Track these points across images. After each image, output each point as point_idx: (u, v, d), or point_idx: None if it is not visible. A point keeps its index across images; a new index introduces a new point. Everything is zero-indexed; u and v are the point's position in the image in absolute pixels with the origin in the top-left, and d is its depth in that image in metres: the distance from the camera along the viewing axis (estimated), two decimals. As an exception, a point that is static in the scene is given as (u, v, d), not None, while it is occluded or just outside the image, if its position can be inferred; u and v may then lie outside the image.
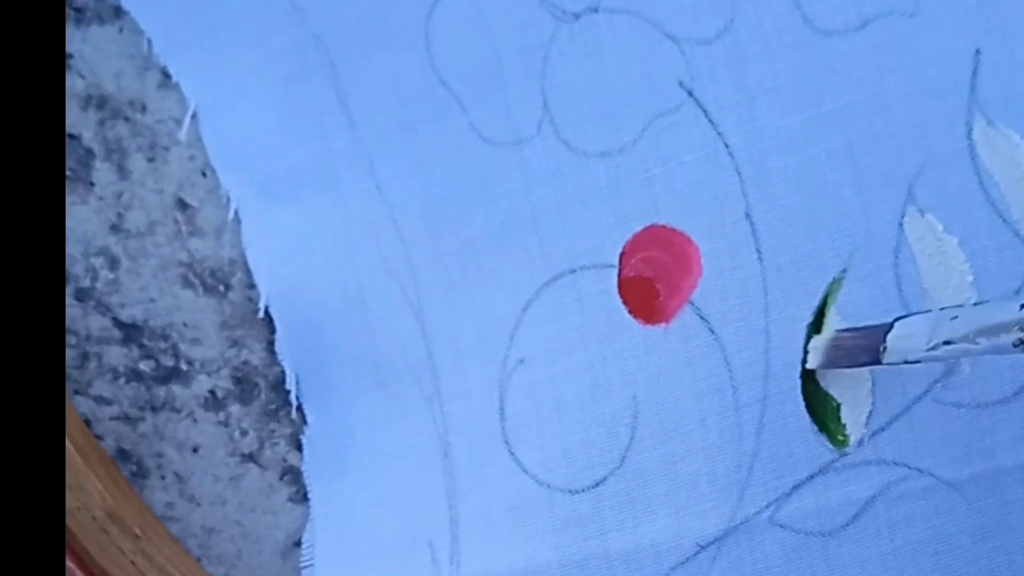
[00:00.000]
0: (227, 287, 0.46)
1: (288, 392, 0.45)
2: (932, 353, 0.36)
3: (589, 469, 0.43)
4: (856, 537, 0.42)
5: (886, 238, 0.42)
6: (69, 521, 0.44)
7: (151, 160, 0.46)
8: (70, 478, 0.44)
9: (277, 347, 0.45)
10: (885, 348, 0.37)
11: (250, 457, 0.46)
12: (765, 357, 0.42)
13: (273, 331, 0.45)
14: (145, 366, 0.46)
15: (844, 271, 0.42)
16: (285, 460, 0.46)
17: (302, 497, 0.46)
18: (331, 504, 0.45)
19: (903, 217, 0.42)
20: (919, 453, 0.42)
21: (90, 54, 0.46)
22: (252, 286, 0.45)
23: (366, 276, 0.45)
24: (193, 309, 0.46)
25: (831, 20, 0.42)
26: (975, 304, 0.41)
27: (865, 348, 0.39)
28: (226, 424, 0.46)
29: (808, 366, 0.41)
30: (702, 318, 0.42)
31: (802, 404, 0.42)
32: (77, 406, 0.46)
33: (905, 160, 0.42)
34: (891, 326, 0.38)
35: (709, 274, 0.42)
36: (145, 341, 0.46)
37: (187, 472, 0.46)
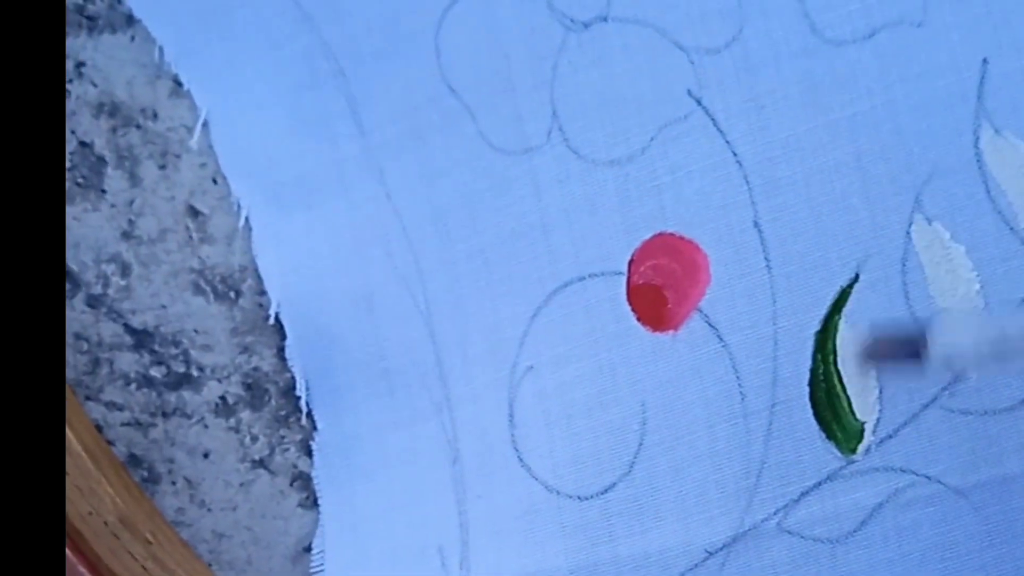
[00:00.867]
0: (238, 294, 0.46)
1: (298, 398, 0.45)
2: (978, 356, 0.35)
3: (598, 475, 0.43)
4: (864, 544, 0.42)
5: (894, 246, 0.42)
6: (81, 526, 0.44)
7: (162, 167, 0.46)
8: (82, 483, 0.44)
9: (287, 353, 0.46)
10: (927, 352, 0.37)
11: (260, 463, 0.46)
12: (773, 365, 0.42)
13: (283, 337, 0.46)
14: (156, 372, 0.46)
15: (852, 279, 0.42)
16: (295, 466, 0.46)
17: (312, 503, 0.46)
18: (341, 510, 0.45)
19: (911, 225, 0.42)
20: (927, 460, 0.42)
21: (102, 62, 0.46)
22: (263, 293, 0.46)
23: (376, 283, 0.45)
24: (204, 315, 0.46)
25: (839, 29, 0.42)
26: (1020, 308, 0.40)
27: (905, 350, 0.38)
28: (237, 430, 0.46)
29: (844, 363, 0.41)
30: (710, 326, 0.43)
31: (810, 411, 0.42)
32: (88, 412, 0.46)
33: (913, 169, 0.42)
34: (930, 326, 0.37)
35: (717, 282, 0.43)
36: (156, 347, 0.46)
37: (198, 478, 0.46)
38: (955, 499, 0.42)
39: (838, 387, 0.42)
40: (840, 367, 0.42)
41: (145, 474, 0.46)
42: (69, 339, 0.46)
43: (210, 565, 0.46)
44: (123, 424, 0.46)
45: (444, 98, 0.44)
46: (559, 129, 0.43)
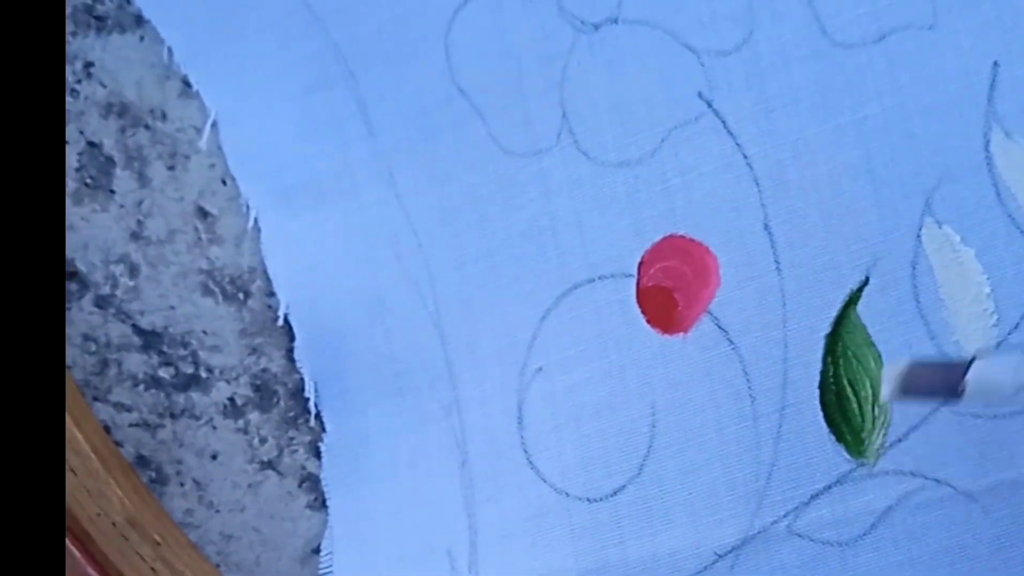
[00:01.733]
0: (247, 295, 0.46)
1: (307, 400, 0.45)
2: (1015, 395, 0.35)
3: (607, 478, 0.43)
4: (873, 547, 0.42)
5: (904, 250, 0.42)
6: (89, 527, 0.44)
7: (171, 168, 0.46)
8: (90, 484, 0.44)
9: (296, 355, 0.45)
10: (964, 388, 0.37)
11: (269, 464, 0.46)
12: (783, 367, 0.42)
13: (292, 339, 0.45)
14: (164, 373, 0.46)
15: (862, 282, 0.42)
16: (304, 467, 0.46)
17: (321, 504, 0.46)
18: (350, 512, 0.45)
19: (921, 229, 0.42)
20: (936, 463, 0.42)
21: (111, 62, 0.46)
22: (271, 294, 0.46)
23: (385, 285, 0.45)
24: (213, 317, 0.46)
25: (849, 32, 0.42)
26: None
27: (943, 385, 0.38)
28: (245, 431, 0.46)
29: (883, 399, 0.41)
30: (720, 328, 0.43)
31: (820, 414, 0.42)
32: (97, 413, 0.46)
33: (923, 172, 0.42)
34: (968, 365, 0.37)
35: (727, 284, 0.43)
36: (165, 348, 0.46)
37: (206, 479, 0.46)
38: (965, 502, 0.42)
39: (848, 390, 0.42)
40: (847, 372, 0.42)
41: (153, 475, 0.46)
42: (77, 340, 0.46)
43: (218, 566, 0.46)
44: (131, 425, 0.46)
45: (454, 100, 0.44)
46: (569, 131, 0.43)
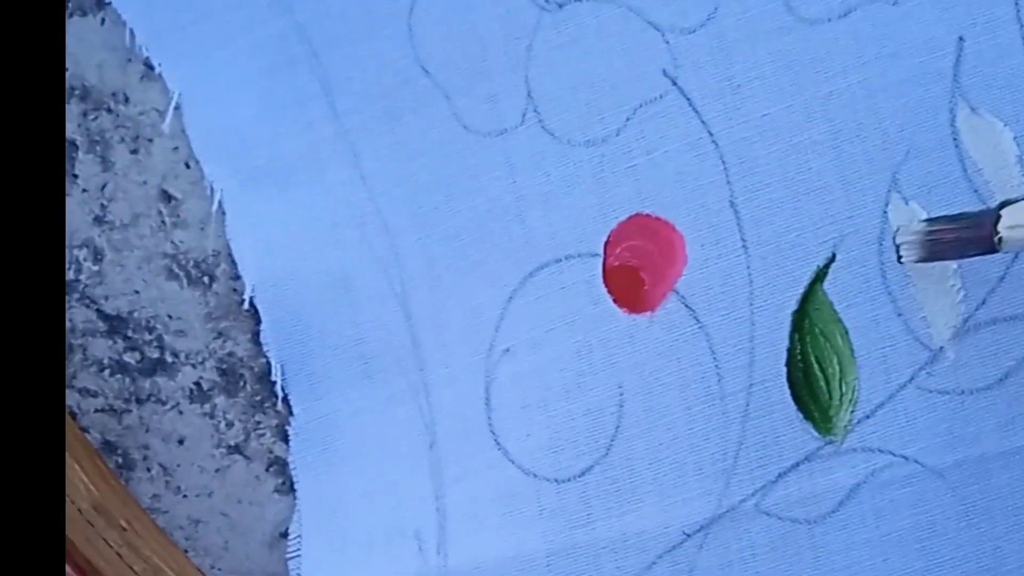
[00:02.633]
0: (212, 278, 0.46)
1: (274, 383, 0.45)
2: None
3: (575, 458, 0.43)
4: (842, 524, 0.42)
5: (870, 226, 0.42)
6: (55, 514, 0.44)
7: (134, 152, 0.46)
8: (55, 471, 0.44)
9: (262, 338, 0.45)
10: (1000, 238, 0.36)
11: (236, 448, 0.46)
12: (750, 345, 0.42)
13: (258, 322, 0.45)
14: (130, 358, 0.46)
15: (829, 259, 0.42)
16: (271, 451, 0.46)
17: (288, 488, 0.46)
18: (318, 495, 0.45)
19: (887, 205, 0.42)
20: (904, 440, 0.42)
21: (73, 45, 0.45)
22: (237, 277, 0.45)
23: (351, 266, 0.45)
24: (178, 301, 0.46)
25: (814, 8, 0.42)
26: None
27: (973, 239, 0.37)
28: (212, 416, 0.46)
29: (904, 261, 0.41)
30: (687, 307, 0.42)
31: (787, 392, 0.42)
32: (62, 399, 0.46)
33: (889, 148, 0.42)
34: (998, 214, 0.36)
35: (694, 263, 0.43)
36: (130, 333, 0.46)
37: (173, 464, 0.46)
38: (932, 479, 0.42)
39: (815, 367, 0.42)
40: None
41: (120, 460, 0.46)
42: (42, 325, 0.46)
43: (186, 551, 0.46)
44: (97, 411, 0.46)
45: (418, 80, 0.44)
46: (534, 110, 0.43)
